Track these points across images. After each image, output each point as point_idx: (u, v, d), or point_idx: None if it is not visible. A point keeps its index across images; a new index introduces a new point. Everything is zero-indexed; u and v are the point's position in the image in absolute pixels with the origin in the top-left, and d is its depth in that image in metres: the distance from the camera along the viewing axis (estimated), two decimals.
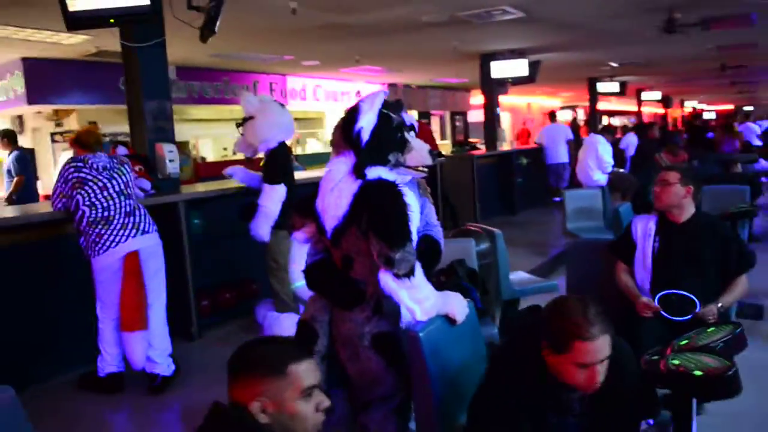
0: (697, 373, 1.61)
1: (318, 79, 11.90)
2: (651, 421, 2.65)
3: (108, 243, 3.25)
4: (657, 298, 2.80)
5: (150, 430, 3.23)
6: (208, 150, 13.14)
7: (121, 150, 4.15)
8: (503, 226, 4.43)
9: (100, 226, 3.25)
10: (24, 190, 6.62)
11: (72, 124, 9.50)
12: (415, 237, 2.35)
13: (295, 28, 6.78)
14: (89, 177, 3.29)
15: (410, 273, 1.99)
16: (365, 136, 2.06)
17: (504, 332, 4.14)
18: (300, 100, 11.63)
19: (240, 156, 7.04)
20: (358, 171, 2.06)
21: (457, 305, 2.21)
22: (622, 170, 8.48)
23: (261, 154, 4.15)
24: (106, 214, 3.27)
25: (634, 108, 20.95)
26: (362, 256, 2.07)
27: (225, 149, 12.82)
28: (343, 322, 2.16)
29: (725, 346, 1.79)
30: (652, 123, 10.20)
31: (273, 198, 3.89)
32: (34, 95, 7.41)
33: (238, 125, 4.10)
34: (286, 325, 3.78)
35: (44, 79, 7.43)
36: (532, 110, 22.55)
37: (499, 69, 9.22)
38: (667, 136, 8.23)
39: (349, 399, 2.25)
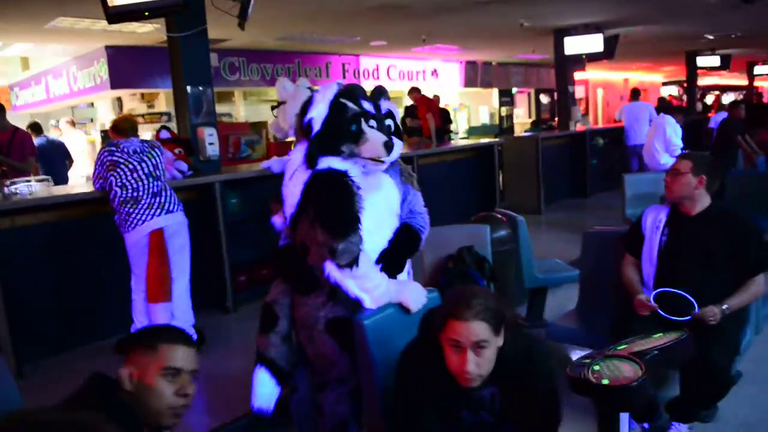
0: (605, 381, 1.54)
1: (391, 59, 11.91)
2: (647, 425, 2.56)
3: (136, 221, 3.53)
4: (653, 295, 2.64)
5: None
6: None
7: (164, 133, 4.43)
8: (570, 210, 4.27)
9: (129, 206, 3.53)
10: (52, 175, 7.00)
11: (161, 105, 10.19)
12: (394, 224, 2.39)
13: (352, 10, 6.84)
14: (121, 160, 3.56)
15: (353, 263, 2.03)
16: (316, 126, 2.10)
17: (530, 320, 4.09)
18: (373, 80, 11.70)
19: None
20: (309, 161, 2.11)
21: (412, 295, 2.21)
22: (705, 153, 7.85)
23: (291, 138, 4.28)
24: (135, 194, 3.54)
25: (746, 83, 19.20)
26: (315, 245, 2.12)
27: None
28: (300, 306, 2.24)
29: (661, 354, 1.69)
30: (737, 101, 9.29)
31: None
32: (116, 80, 8.03)
33: (273, 108, 4.25)
34: None
35: (124, 66, 8.03)
36: (630, 86, 21.26)
37: (573, 45, 8.79)
38: (756, 113, 7.43)
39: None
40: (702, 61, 13.47)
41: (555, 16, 7.98)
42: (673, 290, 2.55)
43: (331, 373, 2.21)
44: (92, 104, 11.34)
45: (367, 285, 2.08)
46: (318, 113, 2.11)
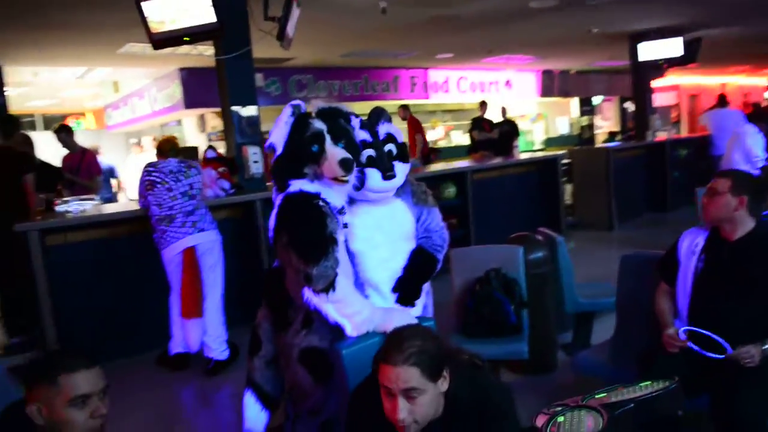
0: None
1: (461, 71, 11.76)
2: None
3: (170, 239, 3.65)
4: (682, 331, 2.38)
5: (200, 406, 3.59)
6: None
7: (210, 153, 4.58)
8: (646, 226, 3.97)
9: (164, 224, 3.66)
10: None
11: None
12: (409, 250, 2.31)
13: (411, 23, 6.81)
14: (158, 180, 3.71)
15: (329, 287, 1.96)
16: (279, 150, 2.05)
17: (575, 347, 3.83)
18: (443, 93, 11.62)
19: None
20: (278, 184, 2.07)
21: (397, 323, 2.10)
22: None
23: None
24: (170, 213, 3.67)
25: None
26: (291, 269, 2.07)
27: None
28: (279, 332, 2.20)
29: (639, 407, 1.49)
30: None
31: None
32: (189, 100, 8.46)
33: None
34: None
35: (197, 86, 8.44)
36: (729, 91, 19.76)
37: (648, 50, 8.29)
38: None
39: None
40: None
41: (625, 21, 7.56)
42: (702, 331, 2.29)
43: (305, 403, 2.15)
44: (179, 122, 12.03)
45: (347, 311, 2.00)
46: (278, 136, 2.05)
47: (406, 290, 2.26)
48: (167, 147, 3.97)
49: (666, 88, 15.93)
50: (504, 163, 6.84)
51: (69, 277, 3.94)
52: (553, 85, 13.42)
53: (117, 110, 11.64)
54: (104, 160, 7.97)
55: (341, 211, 2.11)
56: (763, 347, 2.20)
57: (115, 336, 4.11)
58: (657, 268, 2.73)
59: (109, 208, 4.52)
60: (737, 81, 19.52)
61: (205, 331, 3.76)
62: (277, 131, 2.05)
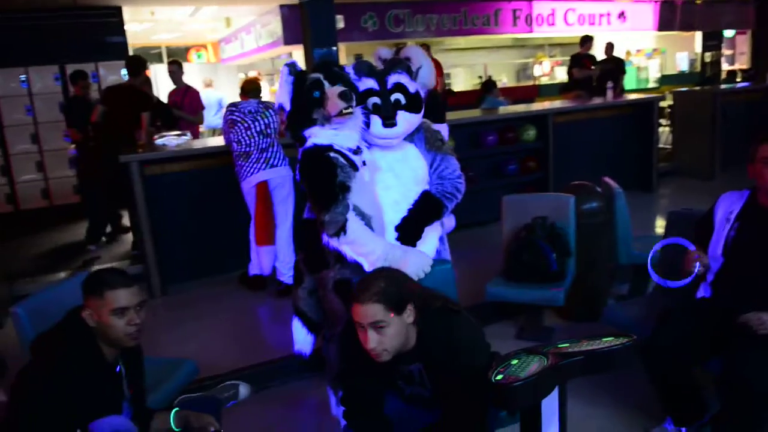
0: (497, 378, 1.54)
1: (569, 2, 11.10)
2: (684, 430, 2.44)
3: (246, 173, 4.07)
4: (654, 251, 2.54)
5: (271, 322, 4.06)
6: (460, 80, 13.59)
7: None
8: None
9: (241, 159, 4.07)
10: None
11: (342, 58, 10.92)
12: (417, 189, 2.48)
13: None
14: (238, 119, 4.08)
15: (340, 231, 2.20)
16: (287, 107, 2.25)
17: (629, 299, 3.86)
18: (547, 26, 11.09)
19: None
20: (296, 140, 2.30)
21: (412, 263, 2.25)
22: None
23: None
24: (246, 149, 4.06)
25: None
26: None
27: (480, 77, 13.06)
28: (315, 272, 2.49)
29: (586, 359, 1.62)
30: None
31: None
32: (288, 37, 8.79)
33: None
34: None
35: (296, 23, 8.69)
36: None
37: None
38: None
39: None
40: None
41: None
42: (675, 241, 2.46)
43: (338, 327, 2.45)
44: (290, 55, 12.50)
45: (362, 250, 2.22)
46: (284, 95, 2.24)
47: (406, 230, 2.38)
48: (250, 87, 4.32)
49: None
50: (591, 105, 6.59)
51: (165, 203, 4.49)
52: (673, 17, 12.29)
53: (229, 44, 12.31)
54: (215, 93, 8.64)
55: (356, 151, 2.28)
56: None
57: (204, 256, 4.68)
58: (694, 229, 2.71)
59: (200, 143, 5.01)
60: None
61: (276, 257, 4.21)
62: (281, 91, 2.25)
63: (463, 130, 5.60)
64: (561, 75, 12.50)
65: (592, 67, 8.27)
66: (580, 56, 8.53)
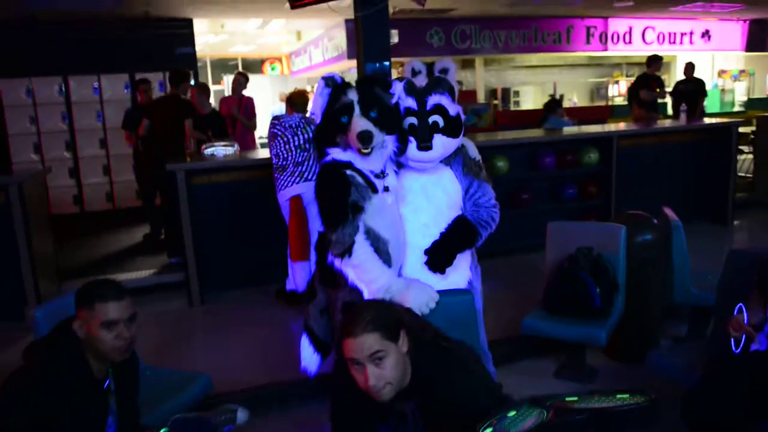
0: (487, 431, 1.36)
1: (648, 20, 10.58)
2: None
3: (281, 186, 4.03)
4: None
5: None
6: (529, 98, 13.22)
7: None
8: None
9: (278, 172, 4.04)
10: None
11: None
12: (449, 214, 2.35)
13: None
14: (278, 132, 4.05)
15: (345, 253, 2.09)
16: (317, 120, 2.18)
17: (687, 341, 3.52)
18: (623, 44, 10.61)
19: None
20: (318, 152, 2.20)
21: (415, 297, 2.11)
22: None
23: None
24: (283, 163, 4.01)
25: None
26: None
27: (551, 95, 12.68)
28: (328, 288, 2.39)
29: (590, 419, 1.40)
30: None
31: None
32: (352, 51, 8.81)
33: None
34: None
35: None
36: None
37: None
38: None
39: None
40: None
41: None
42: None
43: None
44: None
45: (364, 276, 2.11)
46: (317, 107, 2.17)
47: (436, 255, 2.27)
48: (298, 100, 4.30)
49: None
50: (662, 129, 6.17)
51: (210, 213, 4.52)
52: (764, 37, 11.49)
53: (299, 57, 12.56)
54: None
55: (379, 175, 2.18)
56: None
57: (243, 267, 4.67)
58: (757, 272, 2.41)
59: (248, 155, 5.04)
60: None
61: (310, 273, 4.12)
62: (315, 103, 2.19)
63: (520, 150, 5.37)
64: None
65: (658, 90, 7.82)
66: (647, 77, 8.08)
